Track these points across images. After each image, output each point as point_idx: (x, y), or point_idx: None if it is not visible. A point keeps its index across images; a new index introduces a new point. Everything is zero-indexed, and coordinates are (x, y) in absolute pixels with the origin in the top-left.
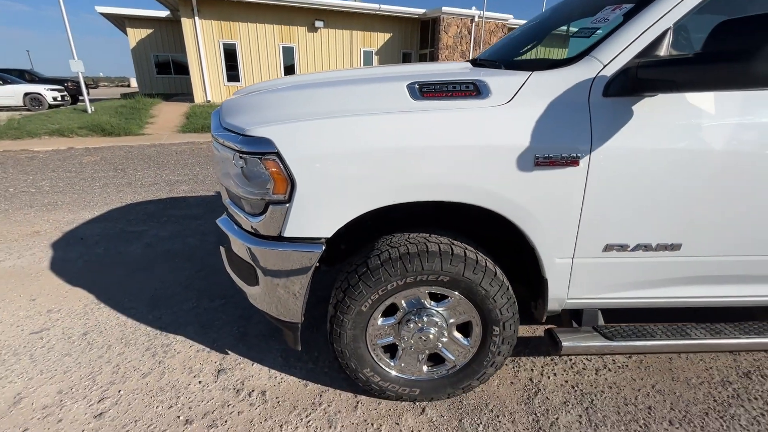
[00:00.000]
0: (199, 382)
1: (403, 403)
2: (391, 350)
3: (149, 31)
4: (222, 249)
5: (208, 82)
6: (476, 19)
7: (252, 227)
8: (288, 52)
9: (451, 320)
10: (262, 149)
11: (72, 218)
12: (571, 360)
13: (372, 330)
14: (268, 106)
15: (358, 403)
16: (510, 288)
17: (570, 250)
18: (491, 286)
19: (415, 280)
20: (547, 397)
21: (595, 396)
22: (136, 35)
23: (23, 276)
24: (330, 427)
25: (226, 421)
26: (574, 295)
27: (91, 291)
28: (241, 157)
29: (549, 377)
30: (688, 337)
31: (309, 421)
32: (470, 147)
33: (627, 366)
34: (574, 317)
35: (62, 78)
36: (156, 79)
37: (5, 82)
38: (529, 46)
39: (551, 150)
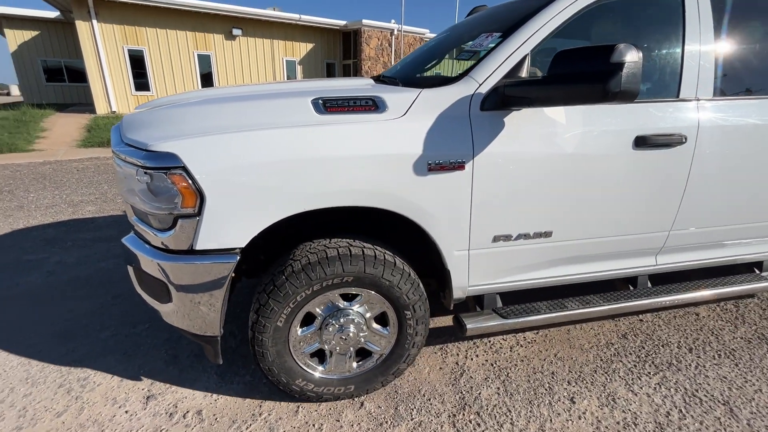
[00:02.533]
0: (126, 411)
1: (342, 402)
2: (320, 354)
3: (34, 33)
4: (130, 269)
5: (112, 91)
6: (395, 32)
7: (162, 243)
8: (204, 60)
9: (368, 315)
10: (167, 164)
11: None
12: (490, 341)
13: (294, 341)
14: (171, 120)
15: (298, 407)
16: (412, 274)
17: (465, 243)
18: (393, 276)
19: (321, 286)
20: (471, 377)
21: (510, 369)
22: (17, 37)
23: None
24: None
25: None
26: (474, 283)
27: None
28: (146, 172)
29: (472, 359)
30: (565, 309)
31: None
32: (371, 156)
33: (535, 341)
34: (477, 302)
35: None
36: (46, 88)
37: None
38: (428, 65)
39: (441, 157)
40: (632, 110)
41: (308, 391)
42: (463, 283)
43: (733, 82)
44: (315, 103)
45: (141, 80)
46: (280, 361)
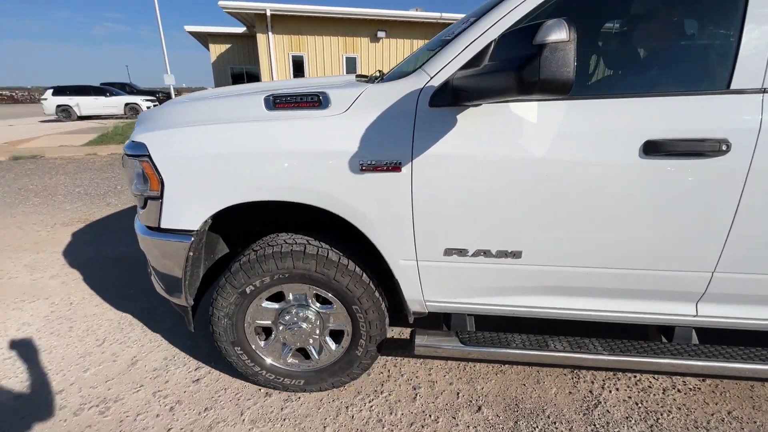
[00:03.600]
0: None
1: (461, 400)
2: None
3: (227, 45)
4: None
5: None
6: None
7: (139, 218)
8: (351, 62)
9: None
10: (139, 152)
11: None
12: (636, 378)
13: (248, 325)
14: (156, 117)
15: (417, 394)
16: (365, 277)
17: (412, 252)
18: (342, 277)
19: (272, 279)
20: (607, 410)
21: (661, 415)
22: (216, 50)
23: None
24: (391, 413)
25: (299, 397)
26: (431, 299)
27: None
28: (128, 158)
29: (610, 391)
30: (545, 348)
31: (371, 406)
32: (307, 152)
33: (699, 389)
34: (446, 321)
35: (154, 90)
36: None
37: (111, 94)
38: (423, 60)
39: (375, 157)
40: (641, 105)
41: (259, 374)
42: (416, 296)
43: None
44: (266, 99)
45: None
46: (231, 338)
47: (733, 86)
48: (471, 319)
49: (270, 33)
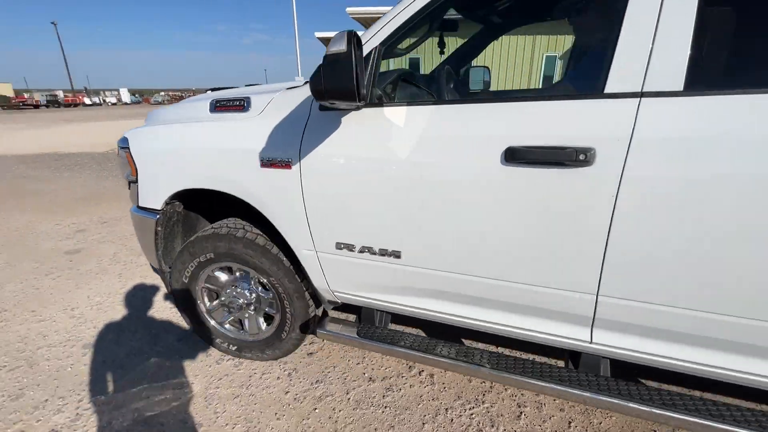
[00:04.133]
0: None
1: (572, 430)
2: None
3: None
4: None
5: None
6: None
7: (131, 200)
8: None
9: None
10: (124, 145)
11: None
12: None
13: (197, 294)
14: (151, 115)
15: (522, 413)
16: (285, 262)
17: (310, 243)
18: (265, 259)
19: (206, 258)
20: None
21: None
22: None
23: None
24: (492, 426)
25: (400, 389)
26: (336, 289)
27: None
28: (120, 150)
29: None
30: (431, 352)
31: (472, 414)
32: (228, 149)
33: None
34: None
35: None
36: None
37: None
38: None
39: (272, 155)
40: (506, 111)
41: (203, 331)
42: (323, 285)
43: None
44: (210, 103)
45: None
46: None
47: (607, 90)
48: (381, 314)
49: None
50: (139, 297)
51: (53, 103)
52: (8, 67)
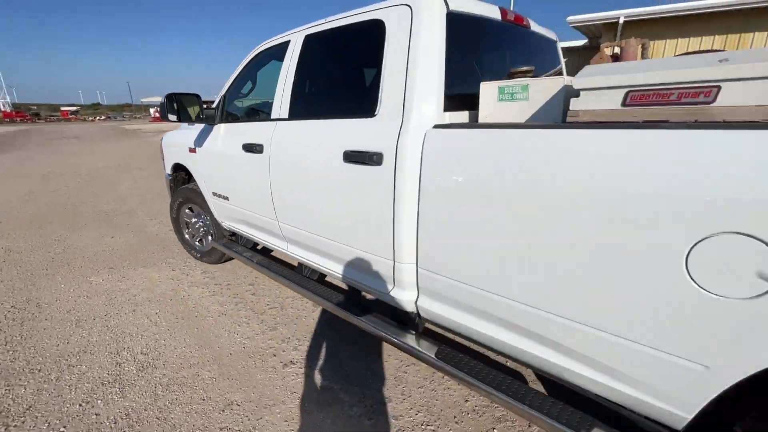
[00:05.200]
0: None
1: None
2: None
3: (563, 60)
4: None
5: None
6: None
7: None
8: None
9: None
10: (161, 140)
11: None
12: None
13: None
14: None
15: None
16: (205, 201)
17: (207, 192)
18: (202, 202)
19: (180, 201)
20: None
21: None
22: None
23: None
24: None
25: None
26: (221, 220)
27: None
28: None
29: None
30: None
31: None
32: (180, 143)
33: None
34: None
35: None
36: None
37: None
38: None
39: (190, 145)
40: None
41: (191, 251)
42: (218, 218)
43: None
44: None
45: None
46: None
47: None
48: (244, 240)
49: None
50: None
51: None
52: None
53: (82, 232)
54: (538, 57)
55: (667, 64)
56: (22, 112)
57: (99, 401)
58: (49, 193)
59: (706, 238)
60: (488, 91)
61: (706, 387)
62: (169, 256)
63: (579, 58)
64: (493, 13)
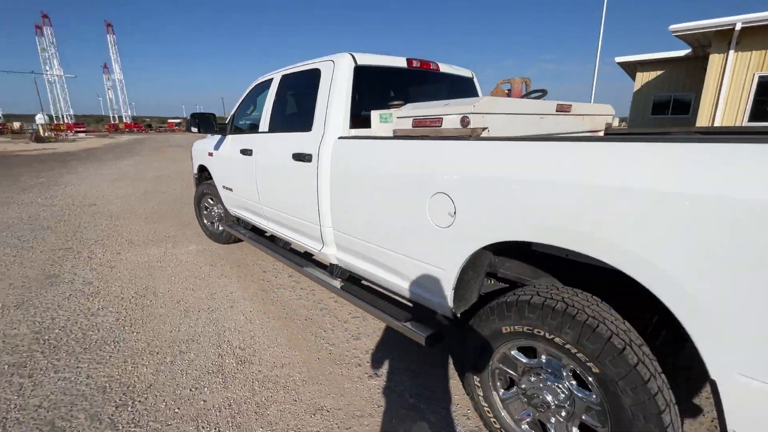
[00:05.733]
0: None
1: None
2: None
3: (658, 72)
4: None
5: (719, 120)
6: None
7: None
8: None
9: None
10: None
11: None
12: None
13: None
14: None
15: None
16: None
17: (219, 185)
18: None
19: (204, 191)
20: None
21: None
22: (643, 78)
23: None
24: None
25: None
26: (227, 207)
27: None
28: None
29: None
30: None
31: None
32: (205, 149)
33: None
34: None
35: None
36: (649, 119)
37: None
38: None
39: (209, 150)
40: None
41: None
42: (226, 205)
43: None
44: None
45: (762, 107)
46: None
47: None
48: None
49: (731, 51)
50: None
51: None
52: None
53: (186, 230)
54: (451, 91)
55: (430, 105)
56: (138, 124)
57: (206, 389)
58: (160, 194)
59: (432, 195)
60: (374, 116)
61: (447, 281)
62: (260, 258)
63: (680, 69)
64: (399, 63)
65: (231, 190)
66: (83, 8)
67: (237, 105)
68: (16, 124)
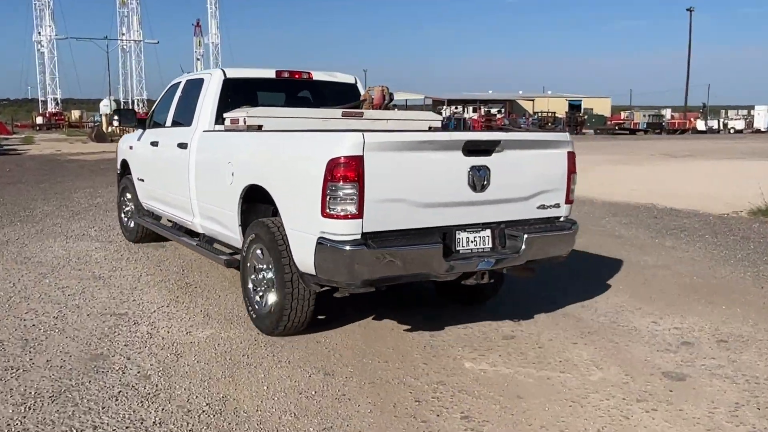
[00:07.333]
0: None
1: None
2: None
3: None
4: None
5: None
6: None
7: None
8: None
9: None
10: None
11: None
12: None
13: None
14: None
15: None
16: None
17: (135, 177)
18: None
19: (124, 186)
20: None
21: None
22: None
23: None
24: None
25: None
26: (141, 200)
27: None
28: None
29: None
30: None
31: None
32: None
33: None
34: None
35: None
36: None
37: None
38: None
39: (130, 144)
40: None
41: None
42: (140, 197)
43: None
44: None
45: None
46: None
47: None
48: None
49: None
50: None
51: (654, 126)
52: (615, 76)
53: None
54: (329, 95)
55: (244, 110)
56: None
57: None
58: None
59: (227, 163)
60: (225, 116)
61: (234, 222)
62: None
63: None
64: (269, 74)
65: (143, 180)
66: None
67: (158, 100)
68: (76, 114)
